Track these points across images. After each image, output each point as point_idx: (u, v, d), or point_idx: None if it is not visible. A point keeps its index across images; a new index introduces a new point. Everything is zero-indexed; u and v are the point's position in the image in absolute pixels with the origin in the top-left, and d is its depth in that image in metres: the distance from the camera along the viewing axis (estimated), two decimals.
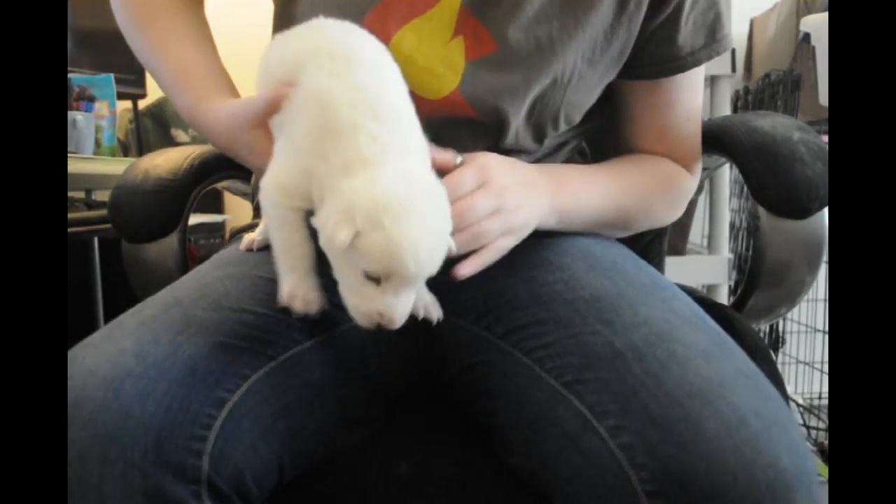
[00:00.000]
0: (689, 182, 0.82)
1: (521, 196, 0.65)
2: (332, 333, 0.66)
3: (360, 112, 0.54)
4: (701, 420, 0.52)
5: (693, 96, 0.80)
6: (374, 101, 0.54)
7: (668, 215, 0.82)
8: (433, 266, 0.53)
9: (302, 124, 0.56)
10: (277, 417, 0.59)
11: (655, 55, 0.76)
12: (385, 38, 0.70)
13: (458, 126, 0.71)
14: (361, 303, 0.54)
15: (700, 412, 0.52)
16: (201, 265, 0.73)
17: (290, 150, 0.58)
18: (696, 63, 0.77)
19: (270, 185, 0.60)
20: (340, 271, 0.55)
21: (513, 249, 0.71)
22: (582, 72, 0.73)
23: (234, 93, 0.74)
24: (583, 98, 0.75)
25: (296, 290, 0.60)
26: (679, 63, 0.76)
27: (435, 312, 0.63)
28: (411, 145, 0.56)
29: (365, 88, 0.55)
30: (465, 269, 0.61)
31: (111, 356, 0.55)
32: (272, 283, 0.66)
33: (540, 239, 0.73)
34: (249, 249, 0.74)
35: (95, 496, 0.50)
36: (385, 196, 0.51)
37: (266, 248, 0.73)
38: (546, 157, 0.78)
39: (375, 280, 0.53)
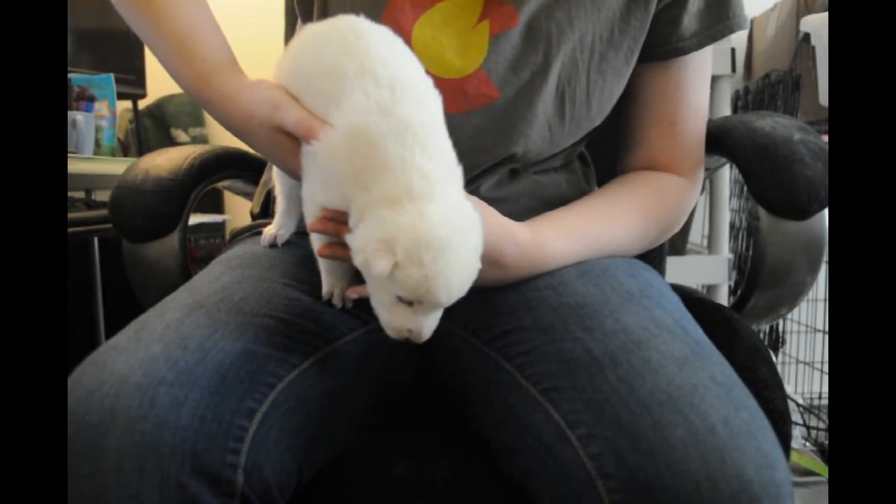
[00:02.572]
0: (690, 196, 0.81)
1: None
2: (345, 340, 0.66)
3: (409, 149, 0.55)
4: (669, 428, 0.52)
5: (701, 86, 0.80)
6: (422, 136, 0.56)
7: (664, 234, 0.81)
8: (462, 294, 0.57)
9: (342, 154, 0.57)
10: (300, 429, 0.60)
11: (664, 35, 0.76)
12: (411, 18, 0.70)
13: (487, 127, 0.71)
14: (393, 319, 0.57)
15: (669, 420, 0.52)
16: (213, 266, 0.72)
17: (327, 175, 0.59)
18: (705, 42, 0.77)
19: (309, 201, 0.62)
20: (374, 290, 0.58)
21: None
22: (603, 52, 0.73)
23: (238, 65, 0.71)
24: (612, 84, 0.75)
25: (333, 289, 0.66)
26: (687, 43, 0.76)
27: None
28: (453, 175, 0.58)
29: (412, 124, 0.56)
30: None
31: (143, 362, 0.55)
32: (288, 287, 0.67)
33: None
34: (273, 245, 0.75)
35: None
36: (428, 235, 0.53)
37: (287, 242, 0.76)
38: (546, 160, 0.78)
39: (408, 302, 0.56)
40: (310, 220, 0.62)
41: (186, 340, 0.57)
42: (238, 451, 0.54)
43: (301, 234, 0.76)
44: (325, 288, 0.66)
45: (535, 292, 0.66)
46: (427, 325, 0.57)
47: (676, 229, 0.82)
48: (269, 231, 0.76)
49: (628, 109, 0.81)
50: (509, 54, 0.71)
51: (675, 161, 0.80)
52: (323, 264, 0.65)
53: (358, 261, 0.56)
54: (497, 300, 0.68)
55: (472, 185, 0.73)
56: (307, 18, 0.78)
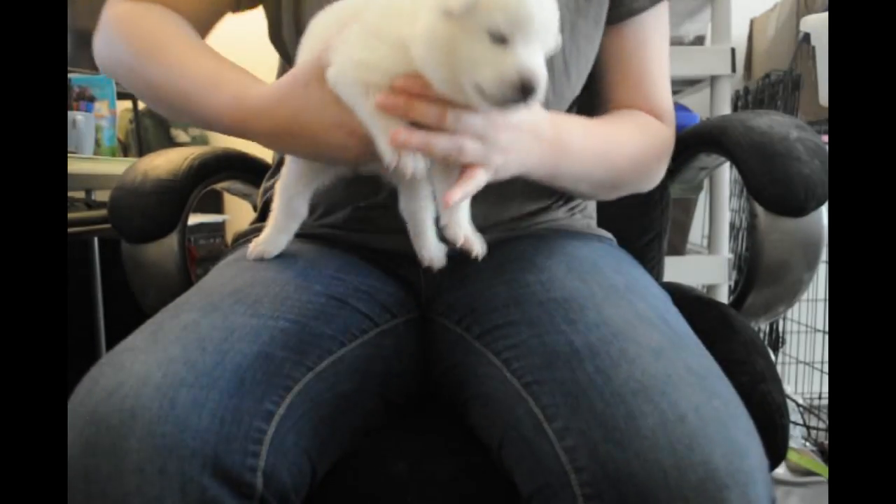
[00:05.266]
0: (667, 132, 0.83)
1: (515, 140, 0.64)
2: (356, 343, 0.67)
3: None
4: (640, 417, 0.52)
5: (661, 42, 0.84)
6: None
7: (656, 171, 0.83)
8: (552, 20, 0.56)
9: (381, 6, 0.58)
10: (314, 431, 0.60)
11: None
12: None
13: None
14: (496, 68, 0.55)
15: (640, 409, 0.52)
16: (223, 269, 0.72)
17: (367, 37, 0.59)
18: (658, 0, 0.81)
19: (347, 66, 0.60)
20: (461, 50, 0.55)
21: (503, 251, 0.72)
22: (573, 21, 0.76)
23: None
24: (586, 50, 0.78)
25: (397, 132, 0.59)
26: (641, 2, 0.80)
27: (476, 246, 0.65)
28: None
29: None
30: (455, 195, 0.60)
31: (161, 363, 0.55)
32: (300, 289, 0.67)
33: (532, 242, 0.74)
34: (259, 260, 0.72)
35: None
36: None
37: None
38: None
39: (501, 41, 0.54)
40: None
41: (204, 342, 0.57)
42: (257, 453, 0.54)
43: (305, 236, 0.76)
44: (385, 138, 0.59)
45: (524, 288, 0.67)
46: (535, 60, 0.55)
47: (662, 168, 0.84)
48: (258, 246, 0.73)
49: (597, 72, 0.84)
50: None
51: (647, 113, 0.83)
52: (376, 123, 0.60)
53: (422, 50, 0.56)
54: (488, 295, 0.68)
55: None
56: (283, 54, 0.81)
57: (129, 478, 0.50)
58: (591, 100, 0.86)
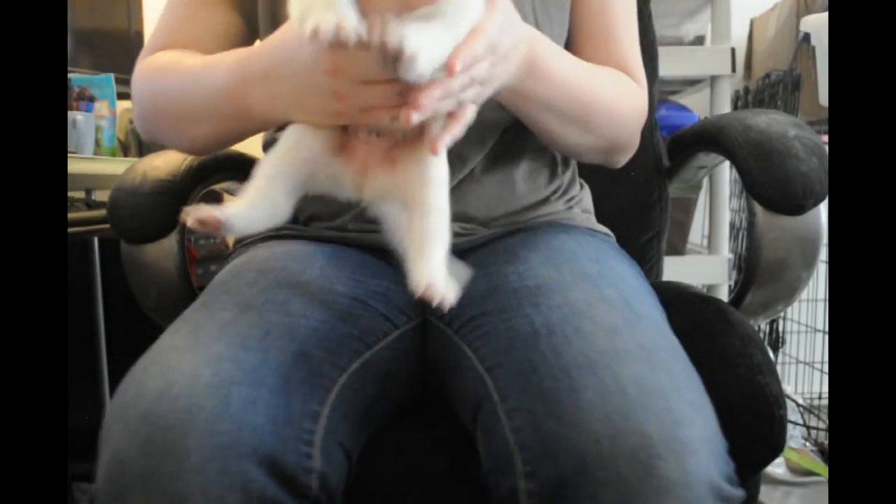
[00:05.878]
0: (640, 91, 0.82)
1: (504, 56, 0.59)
2: (380, 346, 0.67)
3: None
4: (580, 390, 0.51)
5: (627, 6, 0.83)
6: None
7: (629, 127, 0.80)
8: None
9: None
10: (351, 433, 0.61)
11: None
12: None
13: None
14: None
15: (582, 382, 0.52)
16: (241, 271, 0.70)
17: None
18: None
19: None
20: None
21: (493, 247, 0.73)
22: None
23: None
24: (558, 16, 0.79)
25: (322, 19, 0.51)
26: None
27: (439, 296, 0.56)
28: None
29: None
30: (444, 137, 0.56)
31: (209, 361, 0.54)
32: (323, 290, 0.66)
33: (521, 237, 0.74)
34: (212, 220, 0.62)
35: None
36: None
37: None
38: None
39: None
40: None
41: (245, 340, 0.57)
42: (310, 455, 0.54)
43: (316, 239, 0.76)
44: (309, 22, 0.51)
45: (501, 278, 0.67)
46: None
47: (636, 129, 0.82)
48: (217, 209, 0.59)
49: (567, 39, 0.83)
50: None
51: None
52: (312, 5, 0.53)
53: None
54: (469, 288, 0.68)
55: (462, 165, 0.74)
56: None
57: (192, 478, 0.50)
58: None
